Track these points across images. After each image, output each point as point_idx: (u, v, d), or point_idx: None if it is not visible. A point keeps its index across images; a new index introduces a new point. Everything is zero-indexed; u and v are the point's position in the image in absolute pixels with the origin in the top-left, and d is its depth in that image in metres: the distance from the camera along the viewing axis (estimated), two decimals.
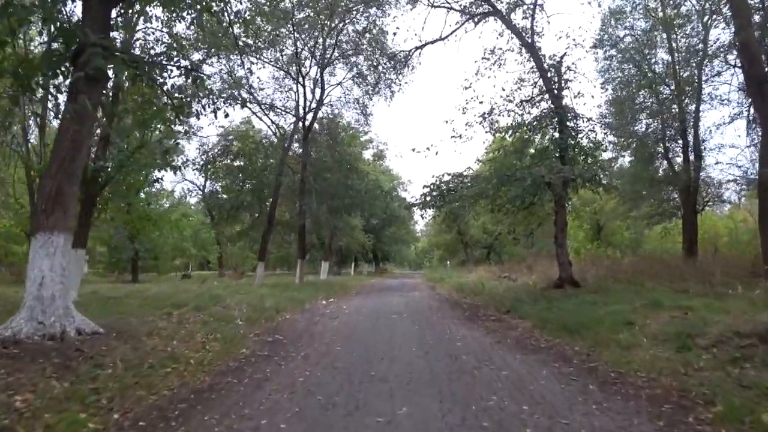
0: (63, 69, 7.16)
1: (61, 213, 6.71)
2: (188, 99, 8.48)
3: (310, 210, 25.45)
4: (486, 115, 16.81)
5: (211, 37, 14.85)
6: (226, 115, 11.36)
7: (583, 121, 16.13)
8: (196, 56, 19.56)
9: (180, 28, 9.57)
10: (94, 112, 7.13)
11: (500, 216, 27.40)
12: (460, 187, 14.44)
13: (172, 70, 7.89)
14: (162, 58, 8.06)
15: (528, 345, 8.21)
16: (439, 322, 10.97)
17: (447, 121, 18.12)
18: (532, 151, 17.46)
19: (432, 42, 18.19)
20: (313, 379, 5.99)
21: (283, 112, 26.61)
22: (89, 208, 13.79)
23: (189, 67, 7.68)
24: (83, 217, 13.92)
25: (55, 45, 7.19)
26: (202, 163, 26.13)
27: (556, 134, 15.95)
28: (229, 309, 12.03)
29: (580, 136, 16.00)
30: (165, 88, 8.16)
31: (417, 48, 18.36)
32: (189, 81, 7.73)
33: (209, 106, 8.99)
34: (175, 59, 7.89)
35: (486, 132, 17.77)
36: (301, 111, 25.66)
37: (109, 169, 13.58)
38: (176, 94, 8.33)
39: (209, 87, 8.91)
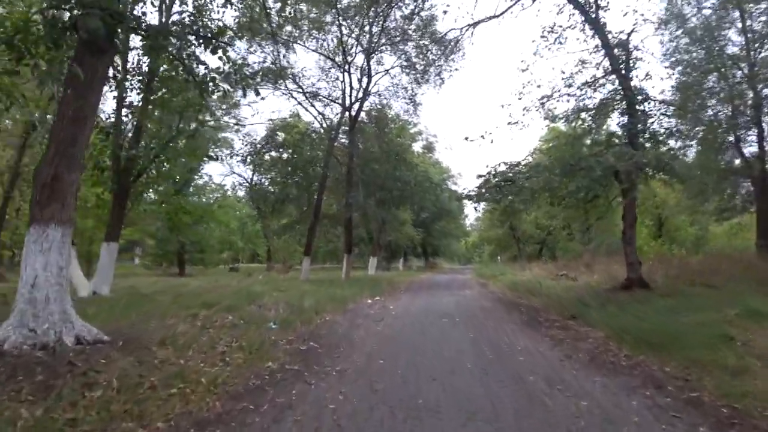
0: (67, 38, 6.24)
1: (58, 203, 5.78)
2: (212, 75, 7.43)
3: (357, 203, 24.41)
4: (545, 100, 15.32)
5: (247, 20, 14.01)
6: (257, 94, 10.41)
7: (655, 104, 14.44)
8: (240, 45, 18.89)
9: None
10: (99, 84, 6.17)
11: (556, 210, 25.75)
12: (519, 178, 12.97)
13: (189, 41, 6.87)
14: (178, 27, 7.02)
15: (605, 362, 6.79)
16: (496, 329, 9.62)
17: (503, 106, 16.50)
18: (595, 138, 15.86)
19: (485, 20, 16.71)
20: (347, 408, 4.82)
21: (329, 102, 25.67)
22: (123, 201, 13.13)
23: (209, 35, 6.61)
24: (117, 209, 13.28)
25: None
26: (246, 154, 25.53)
27: (623, 119, 14.37)
28: (265, 309, 11.06)
29: (650, 120, 14.33)
30: (185, 61, 7.15)
31: (469, 26, 16.91)
32: (208, 51, 6.68)
33: (238, 84, 7.91)
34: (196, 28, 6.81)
35: (544, 119, 16.24)
36: (347, 100, 24.65)
37: (141, 159, 12.89)
38: (198, 68, 7.31)
39: (237, 62, 7.80)
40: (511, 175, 13.05)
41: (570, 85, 15.30)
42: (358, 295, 16.15)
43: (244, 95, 7.72)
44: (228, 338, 7.49)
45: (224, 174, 53.34)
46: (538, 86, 15.73)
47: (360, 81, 24.84)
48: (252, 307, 11.15)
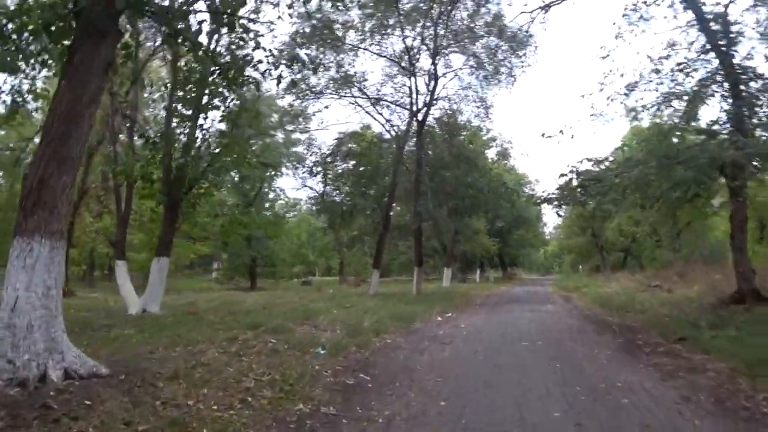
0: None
1: (46, 211, 4.82)
2: (237, 61, 6.37)
3: (425, 212, 23.05)
4: (631, 88, 13.45)
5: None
6: (294, 86, 9.38)
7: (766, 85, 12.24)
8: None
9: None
10: (98, 73, 5.22)
11: (645, 213, 23.10)
12: (607, 176, 11.11)
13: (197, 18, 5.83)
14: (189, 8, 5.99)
15: (738, 410, 4.99)
16: (587, 356, 7.90)
17: (583, 96, 14.49)
18: (691, 127, 13.76)
19: (558, 1, 14.99)
20: None
21: (395, 106, 24.55)
22: (174, 214, 12.48)
23: (220, 9, 5.52)
24: (168, 223, 12.65)
25: None
26: (311, 165, 24.82)
27: (724, 104, 12.31)
28: (319, 329, 9.93)
29: (759, 102, 12.14)
30: (204, 48, 6.12)
31: (541, 8, 15.25)
32: (224, 30, 5.64)
33: (271, 72, 6.80)
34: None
35: (629, 113, 14.31)
36: (414, 106, 23.43)
37: (191, 170, 12.20)
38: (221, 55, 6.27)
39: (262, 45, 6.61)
40: (597, 171, 11.25)
41: (658, 71, 13.39)
42: (428, 311, 14.75)
43: (278, 83, 6.67)
44: (262, 368, 6.32)
45: (296, 188, 53.56)
46: (622, 75, 13.72)
47: (427, 85, 23.60)
48: (304, 327, 10.04)
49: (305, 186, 32.16)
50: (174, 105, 12.55)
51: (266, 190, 46.54)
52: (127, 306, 12.51)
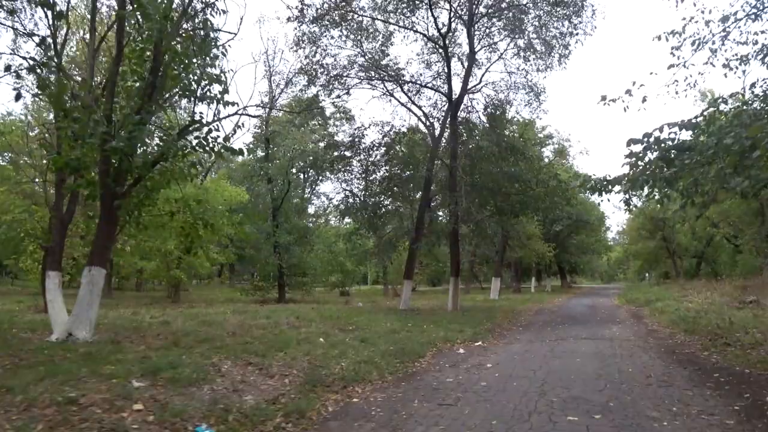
0: None
1: None
2: None
3: (468, 212, 19.61)
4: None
5: None
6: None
7: None
8: None
9: None
10: None
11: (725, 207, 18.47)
12: (703, 147, 7.30)
13: None
14: None
15: None
16: None
17: (659, 37, 10.44)
18: None
19: None
20: None
21: (426, 88, 21.24)
22: (112, 216, 9.54)
23: None
24: (105, 223, 9.77)
25: None
26: (330, 159, 21.59)
27: None
28: (264, 374, 6.75)
29: None
30: None
31: None
32: None
33: None
34: None
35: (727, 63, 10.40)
36: (449, 86, 20.00)
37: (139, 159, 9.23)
38: None
39: None
40: (691, 136, 7.47)
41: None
42: (454, 336, 11.30)
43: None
44: None
45: (336, 191, 50.85)
46: (707, 23, 9.85)
47: (461, 60, 20.22)
48: (246, 369, 6.85)
49: (345, 190, 29.23)
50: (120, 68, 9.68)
51: (306, 194, 44.15)
52: (54, 329, 9.66)
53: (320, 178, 40.45)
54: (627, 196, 8.57)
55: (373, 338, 10.14)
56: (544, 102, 21.43)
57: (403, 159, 21.83)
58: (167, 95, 11.00)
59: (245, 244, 29.94)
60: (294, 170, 41.00)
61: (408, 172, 22.14)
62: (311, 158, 28.49)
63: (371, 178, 22.14)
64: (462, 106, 20.28)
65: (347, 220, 28.12)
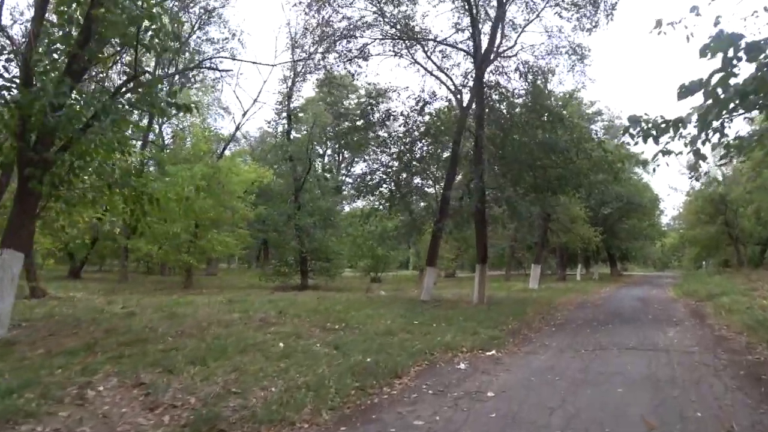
0: None
1: None
2: None
3: (500, 188, 17.00)
4: None
5: None
6: None
7: None
8: None
9: None
10: None
11: None
12: None
13: None
14: None
15: None
16: None
17: None
18: None
19: None
20: None
21: (452, 48, 18.65)
22: (27, 188, 7.61)
23: None
24: (21, 201, 7.89)
25: None
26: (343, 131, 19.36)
27: None
28: (153, 403, 4.58)
29: None
30: None
31: None
32: None
33: None
34: None
35: None
36: (479, 52, 17.37)
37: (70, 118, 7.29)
38: None
39: None
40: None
41: None
42: (461, 341, 8.82)
43: None
44: None
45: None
46: None
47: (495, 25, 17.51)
48: (114, 394, 4.72)
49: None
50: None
51: (340, 176, 42.07)
52: None
53: (355, 159, 38.43)
54: (695, 147, 5.72)
55: (352, 344, 7.89)
56: (588, 66, 18.57)
57: (429, 129, 19.29)
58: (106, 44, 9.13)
59: (267, 227, 28.09)
60: (328, 150, 38.86)
61: (430, 147, 19.68)
62: (331, 132, 26.34)
63: (393, 151, 19.79)
64: (492, 68, 17.67)
65: (363, 201, 25.74)
